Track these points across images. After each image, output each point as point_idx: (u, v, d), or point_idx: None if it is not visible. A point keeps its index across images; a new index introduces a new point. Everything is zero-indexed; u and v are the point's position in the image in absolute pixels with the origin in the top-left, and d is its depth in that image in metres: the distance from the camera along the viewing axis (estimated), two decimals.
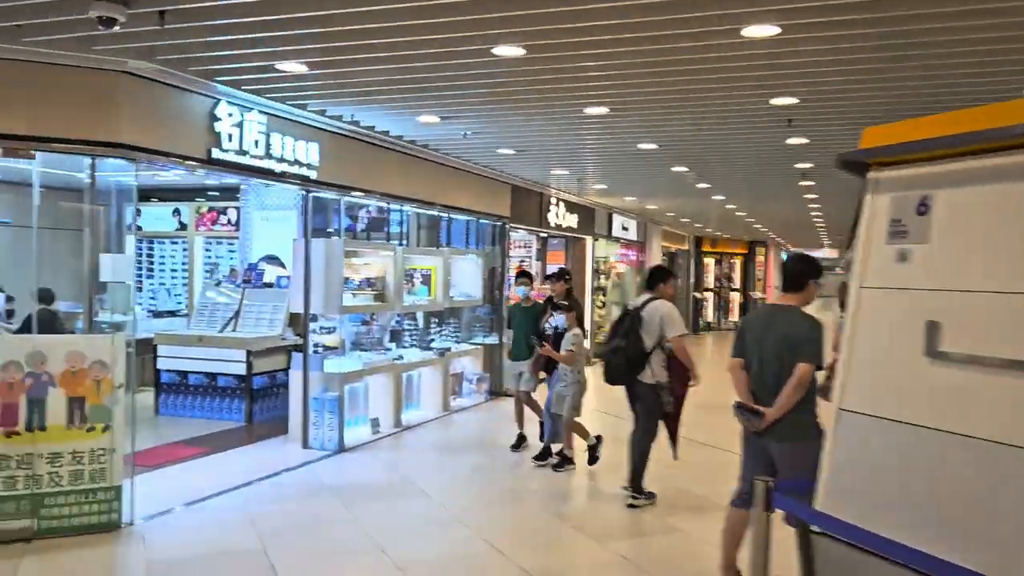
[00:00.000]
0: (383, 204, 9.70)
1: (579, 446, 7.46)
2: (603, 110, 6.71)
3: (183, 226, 12.53)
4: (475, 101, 6.61)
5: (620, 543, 5.56)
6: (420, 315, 10.75)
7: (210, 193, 12.61)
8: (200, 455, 7.75)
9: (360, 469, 7.51)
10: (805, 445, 3.98)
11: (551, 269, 16.57)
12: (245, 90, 6.30)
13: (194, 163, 6.39)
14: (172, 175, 11.00)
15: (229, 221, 12.27)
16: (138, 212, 11.65)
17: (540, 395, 8.15)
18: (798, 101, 6.18)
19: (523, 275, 8.74)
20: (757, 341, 4.35)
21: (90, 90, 5.65)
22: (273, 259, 11.04)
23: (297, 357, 8.40)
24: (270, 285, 10.27)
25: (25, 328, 7.42)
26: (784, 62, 5.18)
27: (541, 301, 8.33)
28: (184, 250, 12.67)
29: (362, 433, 8.69)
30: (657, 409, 6.21)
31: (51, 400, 5.46)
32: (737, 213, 16.84)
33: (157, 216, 12.45)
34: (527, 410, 8.29)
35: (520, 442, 8.19)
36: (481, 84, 5.96)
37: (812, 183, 11.15)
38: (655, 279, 6.43)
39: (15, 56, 5.34)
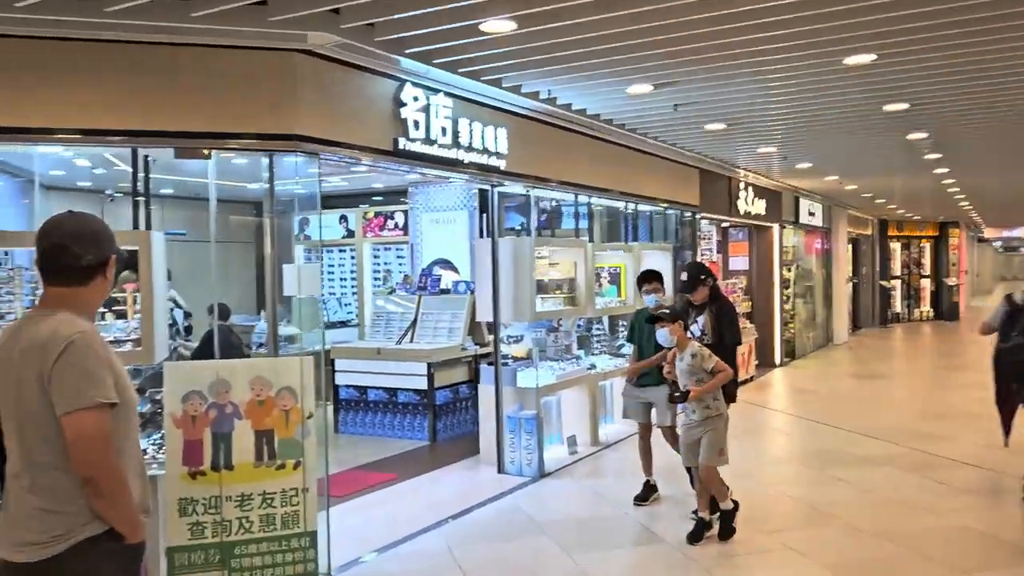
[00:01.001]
0: (569, 195, 8.65)
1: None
2: (868, 58, 5.36)
3: (350, 233, 12.11)
4: (709, 55, 5.39)
5: None
6: (605, 318, 9.69)
7: (375, 198, 12.13)
8: (389, 483, 7.01)
9: (568, 500, 6.52)
10: None
11: (734, 263, 15.07)
12: (435, 64, 5.39)
13: (380, 155, 5.57)
14: (338, 179, 10.50)
15: (396, 225, 11.75)
16: (306, 221, 11.26)
17: None
18: None
19: (648, 276, 6.32)
20: None
21: (264, 74, 4.90)
22: (446, 263, 10.32)
23: (487, 371, 7.52)
24: (446, 291, 9.50)
25: (204, 346, 6.91)
26: None
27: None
28: (352, 258, 12.23)
29: (558, 454, 7.71)
30: None
31: (237, 434, 4.75)
32: (950, 189, 14.71)
33: (324, 224, 12.03)
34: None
35: (649, 493, 6.26)
36: (727, 31, 4.77)
37: None
38: None
39: (183, 39, 4.65)
